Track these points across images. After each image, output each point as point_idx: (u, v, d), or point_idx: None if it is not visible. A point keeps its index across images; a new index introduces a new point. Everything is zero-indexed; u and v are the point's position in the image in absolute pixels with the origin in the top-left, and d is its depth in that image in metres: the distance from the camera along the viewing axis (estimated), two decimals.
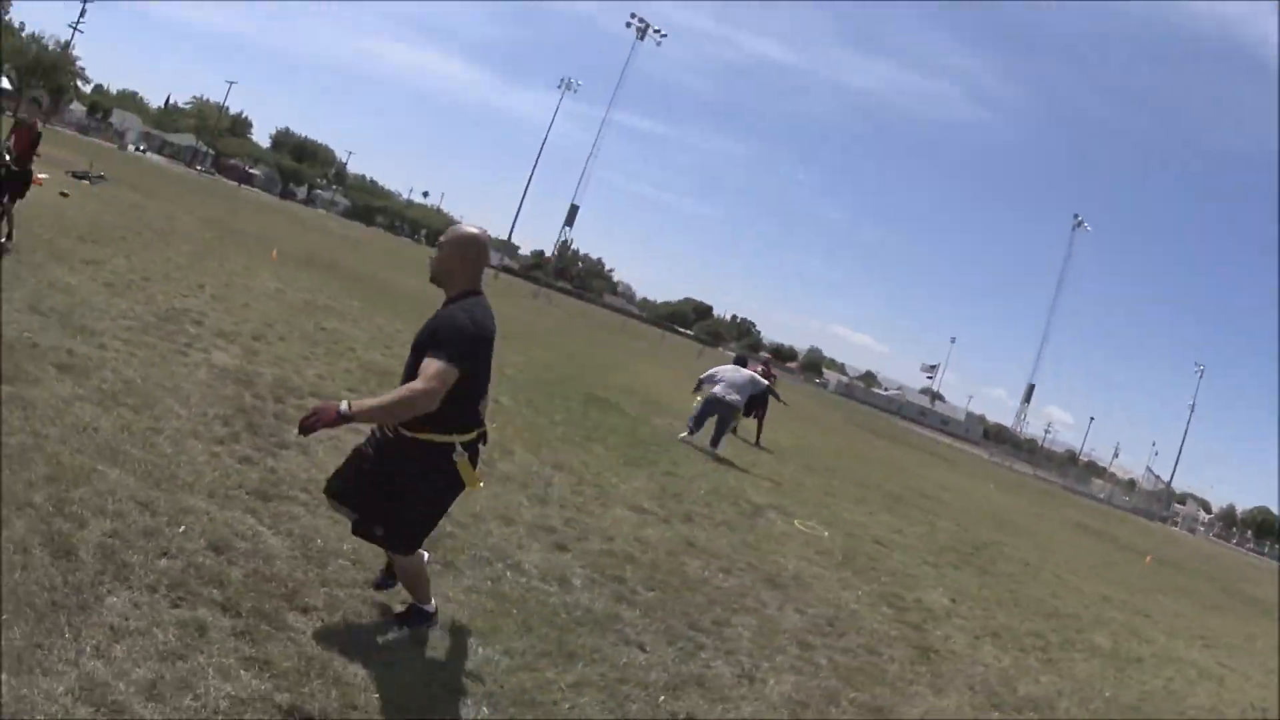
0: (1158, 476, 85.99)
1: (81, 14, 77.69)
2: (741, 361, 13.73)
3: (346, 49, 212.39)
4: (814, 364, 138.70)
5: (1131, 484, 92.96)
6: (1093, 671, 6.60)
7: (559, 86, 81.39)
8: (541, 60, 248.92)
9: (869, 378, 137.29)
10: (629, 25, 74.15)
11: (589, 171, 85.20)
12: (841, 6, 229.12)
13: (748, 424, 15.23)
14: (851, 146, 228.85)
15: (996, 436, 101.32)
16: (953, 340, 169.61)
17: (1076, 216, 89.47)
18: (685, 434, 11.96)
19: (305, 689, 2.91)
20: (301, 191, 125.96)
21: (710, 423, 12.01)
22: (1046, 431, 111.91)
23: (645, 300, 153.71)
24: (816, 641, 5.21)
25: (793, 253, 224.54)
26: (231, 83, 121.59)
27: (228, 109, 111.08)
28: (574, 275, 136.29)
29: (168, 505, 4.06)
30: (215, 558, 3.72)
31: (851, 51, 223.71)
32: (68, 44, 76.84)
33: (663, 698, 3.76)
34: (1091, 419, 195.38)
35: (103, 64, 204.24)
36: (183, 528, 3.89)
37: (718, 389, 12.04)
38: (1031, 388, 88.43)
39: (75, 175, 20.77)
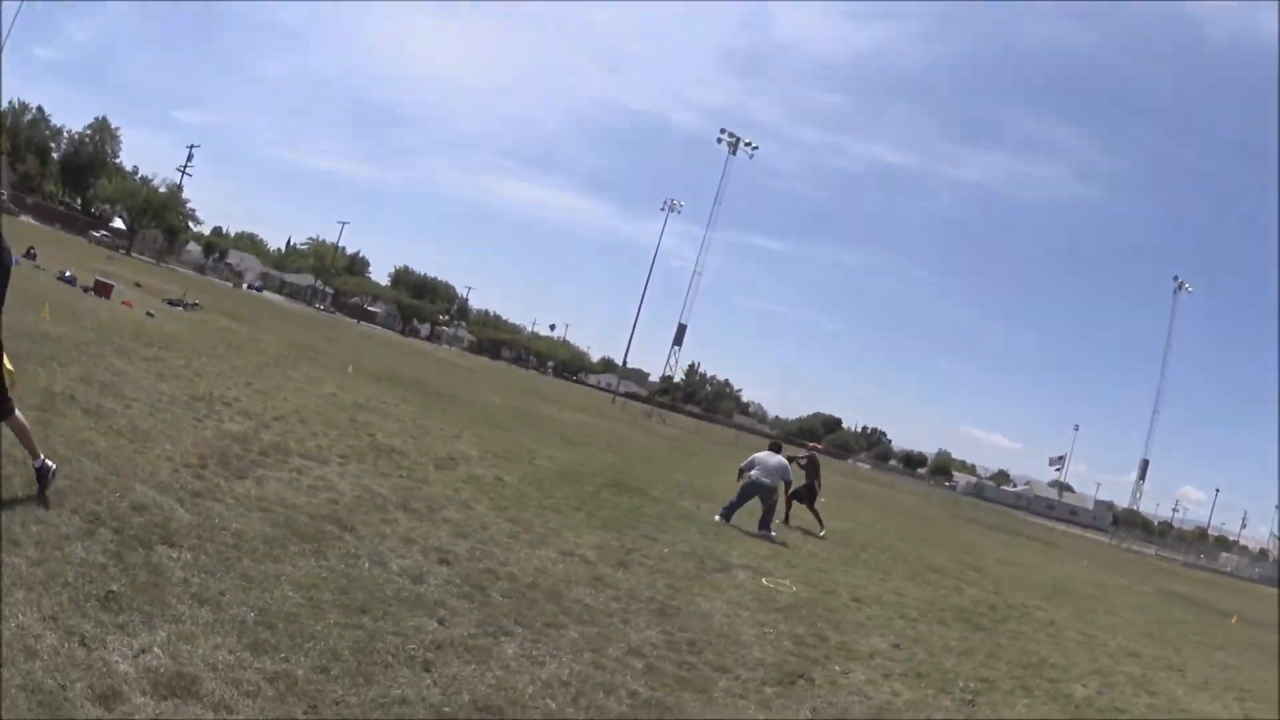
0: None
1: (189, 158, 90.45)
2: (775, 448, 15.13)
3: (462, 188, 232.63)
4: (943, 467, 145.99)
5: (1263, 553, 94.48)
6: (1031, 716, 6.96)
7: (662, 209, 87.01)
8: (659, 185, 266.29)
9: (1001, 476, 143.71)
10: (719, 141, 79.42)
11: (694, 289, 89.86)
12: (947, 102, 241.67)
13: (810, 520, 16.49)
14: (969, 242, 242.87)
15: (1126, 521, 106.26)
16: (1075, 428, 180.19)
17: (1176, 279, 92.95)
18: (719, 518, 13.71)
19: (133, 575, 4.74)
20: (425, 328, 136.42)
21: (752, 507, 13.88)
22: (1174, 510, 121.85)
23: (777, 419, 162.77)
24: (653, 654, 6.04)
25: (921, 357, 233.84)
26: (344, 223, 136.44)
27: (344, 249, 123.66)
28: (702, 398, 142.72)
29: (118, 485, 6.12)
30: (131, 512, 5.71)
31: (961, 146, 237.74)
32: (178, 186, 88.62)
33: (415, 647, 4.99)
34: (1217, 491, 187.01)
35: (222, 207, 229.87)
36: (120, 494, 5.90)
37: (754, 473, 14.06)
38: (1146, 464, 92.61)
39: (170, 302, 25.04)
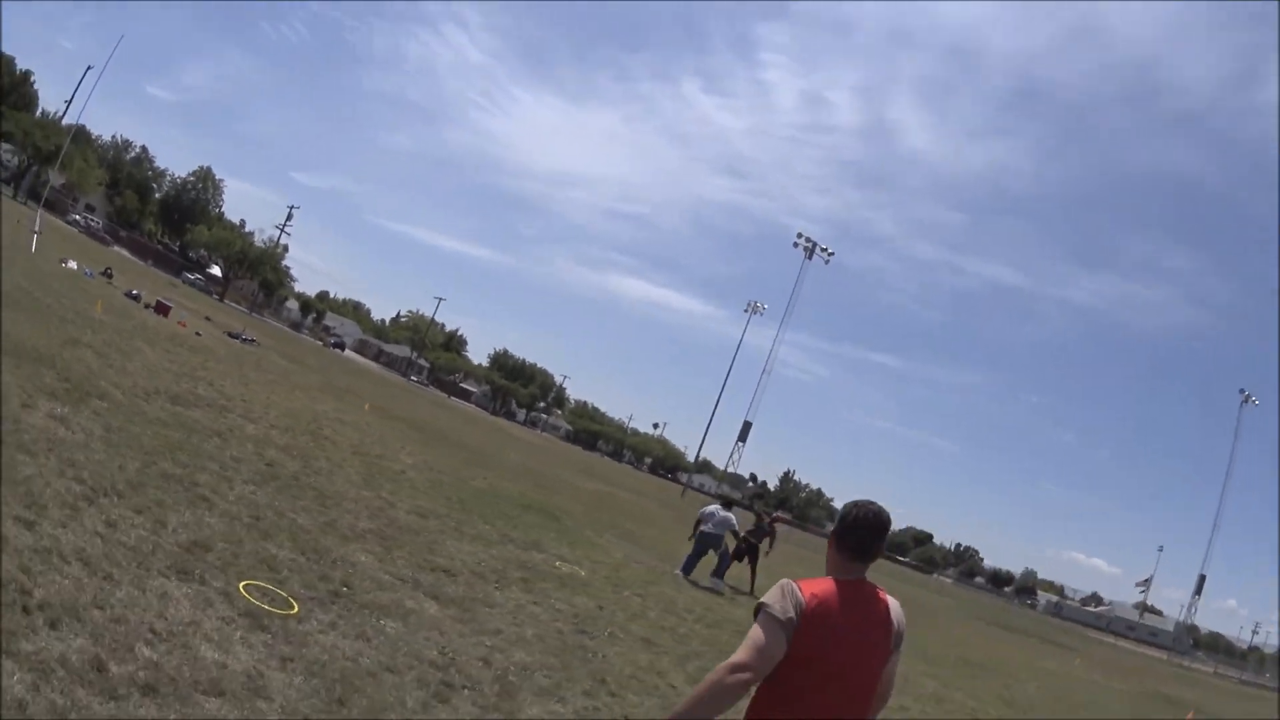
0: None
1: (289, 218, 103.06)
2: (726, 504, 18.10)
3: (575, 279, 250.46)
4: (1028, 586, 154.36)
5: None
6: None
7: (746, 310, 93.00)
8: (772, 291, 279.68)
9: (1093, 599, 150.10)
10: (796, 245, 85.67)
11: (762, 387, 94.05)
12: (1062, 223, 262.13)
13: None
14: (1079, 364, 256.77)
15: (1209, 645, 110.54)
16: (1160, 549, 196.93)
17: (1243, 391, 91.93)
18: (678, 571, 16.45)
19: (71, 397, 9.95)
20: (521, 414, 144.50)
21: (708, 561, 17.03)
22: (1254, 633, 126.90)
23: None
24: (347, 525, 10.46)
25: (1026, 478, 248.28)
26: (440, 299, 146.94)
27: (442, 325, 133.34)
28: (795, 504, 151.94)
29: (88, 377, 11.43)
30: (87, 385, 11.01)
31: (1075, 266, 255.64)
32: (277, 243, 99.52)
33: (188, 460, 10.04)
34: None
35: (333, 272, 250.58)
36: (86, 380, 11.20)
37: (705, 527, 17.06)
38: (1203, 579, 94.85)
39: (229, 334, 31.20)
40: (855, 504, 3.64)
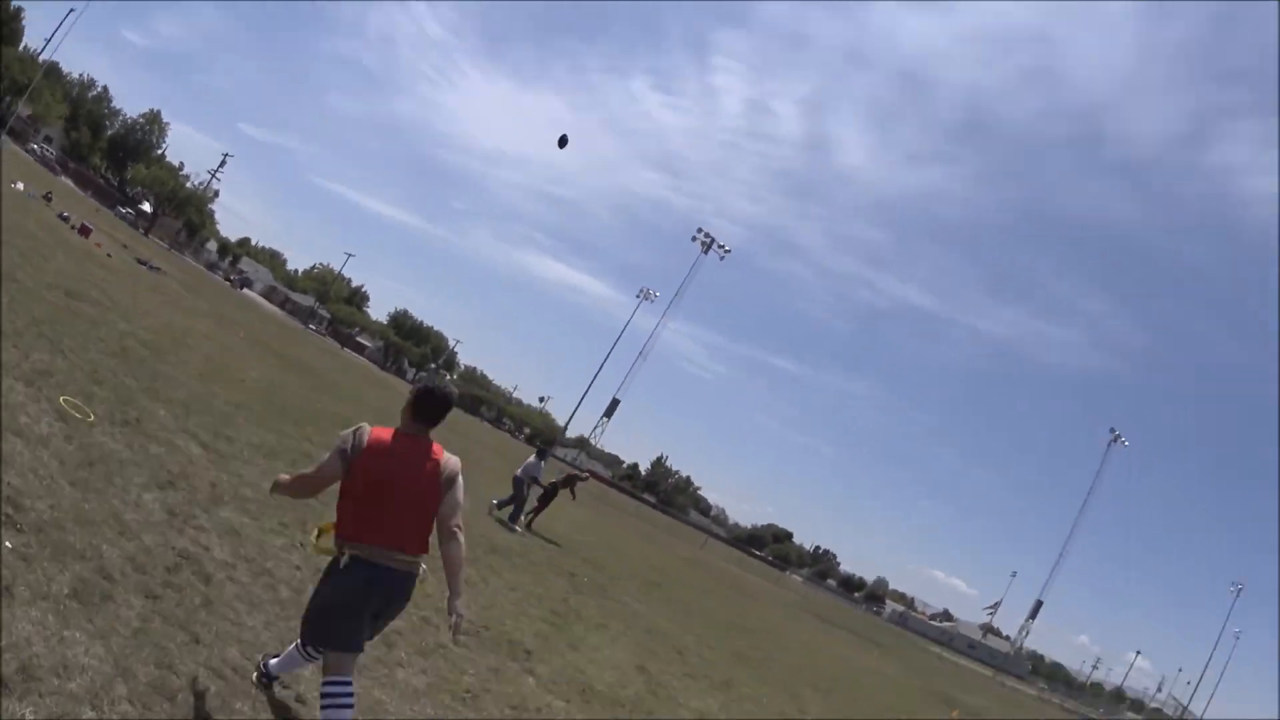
0: (1180, 703, 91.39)
1: (222, 164, 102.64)
2: (541, 454, 19.77)
3: (491, 253, 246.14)
4: (877, 595, 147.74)
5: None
6: None
7: (638, 296, 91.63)
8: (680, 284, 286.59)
9: (943, 615, 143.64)
10: (694, 240, 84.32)
11: (635, 369, 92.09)
12: (982, 253, 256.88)
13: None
14: (975, 392, 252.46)
15: (1050, 674, 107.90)
16: (1013, 574, 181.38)
17: (1113, 431, 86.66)
18: (494, 503, 17.65)
19: None
20: (411, 372, 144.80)
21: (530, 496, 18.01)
22: (1095, 667, 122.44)
23: (736, 525, 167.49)
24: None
25: (900, 494, 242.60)
26: (350, 254, 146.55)
27: (349, 280, 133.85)
28: (662, 489, 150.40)
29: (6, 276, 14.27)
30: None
31: (989, 297, 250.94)
32: (207, 186, 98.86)
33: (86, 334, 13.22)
34: (1137, 653, 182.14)
35: (260, 222, 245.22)
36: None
37: (517, 472, 18.35)
38: (1039, 604, 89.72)
39: (138, 261, 33.22)
40: (433, 380, 4.14)
